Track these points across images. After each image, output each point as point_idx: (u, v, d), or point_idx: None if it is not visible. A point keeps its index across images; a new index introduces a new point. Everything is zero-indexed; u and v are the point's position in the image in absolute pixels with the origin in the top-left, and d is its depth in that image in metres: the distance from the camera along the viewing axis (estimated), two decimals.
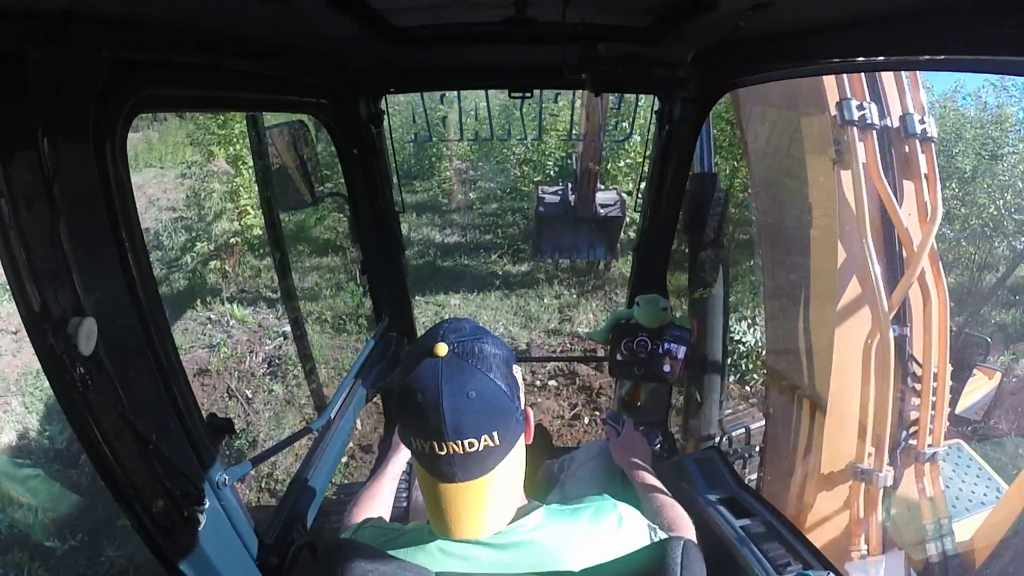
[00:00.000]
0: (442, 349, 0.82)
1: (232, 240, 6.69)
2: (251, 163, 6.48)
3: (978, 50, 0.75)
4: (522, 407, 0.88)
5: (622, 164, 6.92)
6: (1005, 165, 7.37)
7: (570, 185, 5.53)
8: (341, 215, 7.39)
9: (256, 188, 6.59)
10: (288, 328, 5.72)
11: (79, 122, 0.73)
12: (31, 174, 0.66)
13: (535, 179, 7.50)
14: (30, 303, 0.69)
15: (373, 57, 1.46)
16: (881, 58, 1.02)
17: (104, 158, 0.77)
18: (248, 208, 6.69)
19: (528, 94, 1.65)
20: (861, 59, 1.11)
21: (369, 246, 1.93)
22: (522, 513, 0.89)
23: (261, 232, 6.79)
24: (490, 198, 7.97)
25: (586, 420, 4.88)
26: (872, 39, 0.94)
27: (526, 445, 0.92)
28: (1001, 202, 7.13)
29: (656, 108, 1.69)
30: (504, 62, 1.58)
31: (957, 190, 7.42)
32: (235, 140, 6.62)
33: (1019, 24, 0.65)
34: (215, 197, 6.54)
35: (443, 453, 0.79)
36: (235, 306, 6.16)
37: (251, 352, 5.63)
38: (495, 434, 0.80)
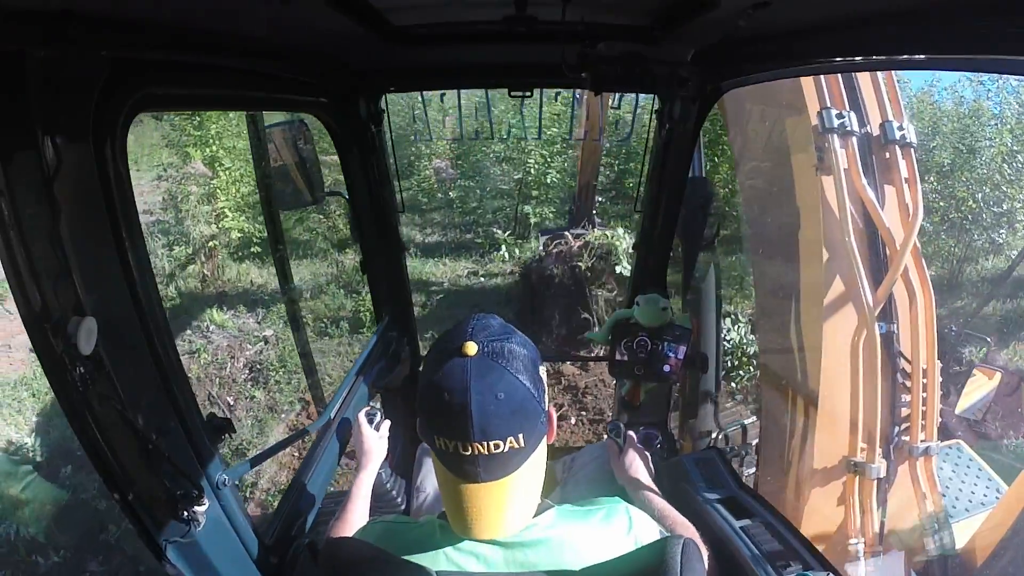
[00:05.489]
0: (471, 348, 0.80)
1: (211, 243, 6.57)
2: (228, 164, 6.44)
3: (977, 50, 0.75)
4: (547, 408, 0.87)
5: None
6: (983, 159, 7.39)
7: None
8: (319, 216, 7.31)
9: (233, 190, 6.57)
10: (269, 332, 5.74)
11: (79, 121, 0.73)
12: (31, 174, 0.66)
13: (515, 176, 7.45)
14: (30, 303, 0.69)
15: (373, 56, 1.46)
16: (881, 57, 1.02)
17: (104, 158, 0.77)
18: (226, 211, 6.59)
19: (528, 93, 1.65)
20: (861, 58, 1.11)
21: (369, 246, 1.93)
22: (536, 512, 0.89)
23: (240, 235, 6.78)
24: (470, 197, 7.90)
25: (573, 420, 4.84)
26: (872, 38, 0.94)
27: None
28: (980, 195, 7.18)
29: (656, 107, 1.69)
30: (504, 61, 1.57)
31: (936, 184, 7.45)
32: (211, 141, 6.50)
33: (1019, 24, 0.65)
34: (192, 200, 6.39)
35: (468, 453, 0.78)
36: (215, 310, 6.04)
37: (232, 358, 5.52)
38: (520, 436, 0.79)
